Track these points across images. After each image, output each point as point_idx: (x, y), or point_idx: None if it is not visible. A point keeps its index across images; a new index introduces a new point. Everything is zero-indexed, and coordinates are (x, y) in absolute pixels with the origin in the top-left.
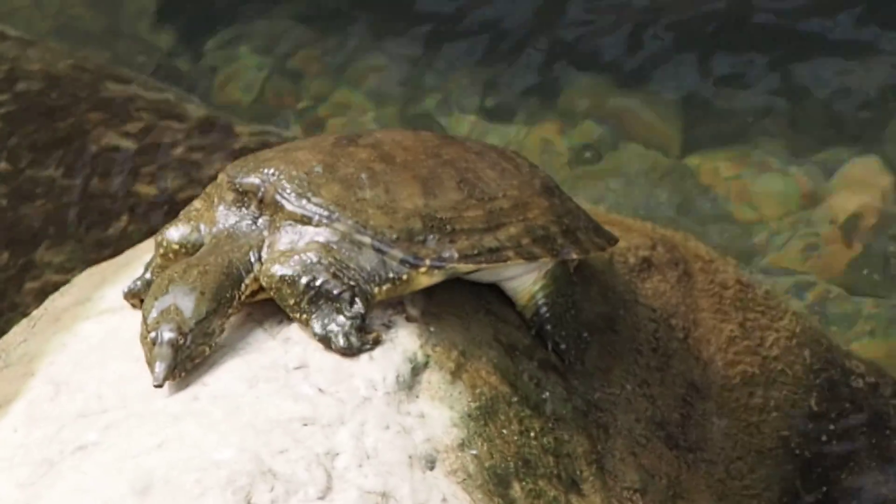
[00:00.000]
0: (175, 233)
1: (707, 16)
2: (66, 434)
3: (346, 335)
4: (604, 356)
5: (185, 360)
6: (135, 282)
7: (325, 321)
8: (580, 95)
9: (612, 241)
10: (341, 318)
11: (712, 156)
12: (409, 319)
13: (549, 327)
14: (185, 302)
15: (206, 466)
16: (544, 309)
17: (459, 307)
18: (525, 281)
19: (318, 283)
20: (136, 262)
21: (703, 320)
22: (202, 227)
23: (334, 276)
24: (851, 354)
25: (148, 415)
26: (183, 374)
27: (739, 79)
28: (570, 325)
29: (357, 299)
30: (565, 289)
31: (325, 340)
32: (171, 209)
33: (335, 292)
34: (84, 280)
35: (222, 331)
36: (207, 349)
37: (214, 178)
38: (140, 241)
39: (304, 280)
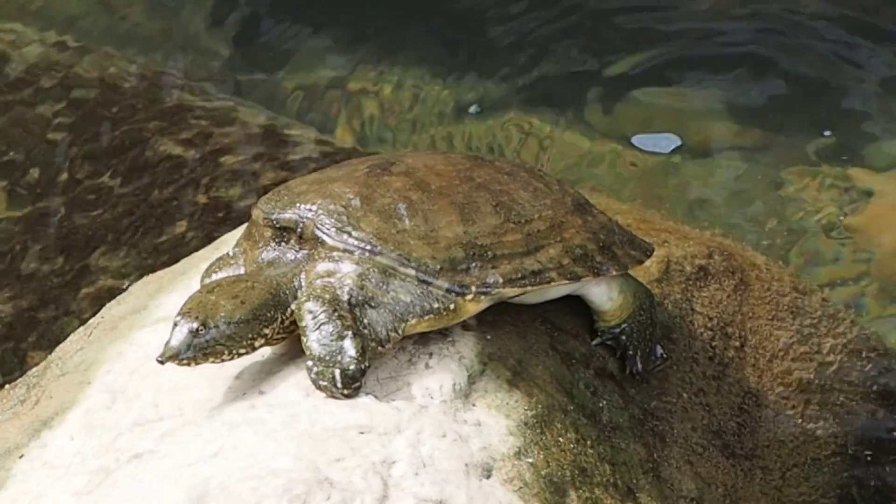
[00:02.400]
0: (220, 275)
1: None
2: (123, 442)
3: (332, 380)
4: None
5: (199, 351)
6: None
7: (321, 359)
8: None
9: (649, 252)
10: (339, 359)
11: (766, 163)
12: (465, 328)
13: (623, 338)
14: (223, 302)
15: (262, 475)
16: (625, 325)
17: (516, 316)
18: (599, 296)
19: (329, 327)
20: (193, 270)
21: (760, 328)
22: (245, 265)
23: (354, 318)
24: None
25: (204, 423)
26: (192, 364)
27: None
28: (648, 342)
29: (360, 348)
30: (647, 304)
31: (314, 379)
32: (228, 217)
33: (342, 339)
34: (140, 288)
35: (251, 347)
36: (226, 353)
37: (270, 187)
38: (197, 248)
39: (322, 317)
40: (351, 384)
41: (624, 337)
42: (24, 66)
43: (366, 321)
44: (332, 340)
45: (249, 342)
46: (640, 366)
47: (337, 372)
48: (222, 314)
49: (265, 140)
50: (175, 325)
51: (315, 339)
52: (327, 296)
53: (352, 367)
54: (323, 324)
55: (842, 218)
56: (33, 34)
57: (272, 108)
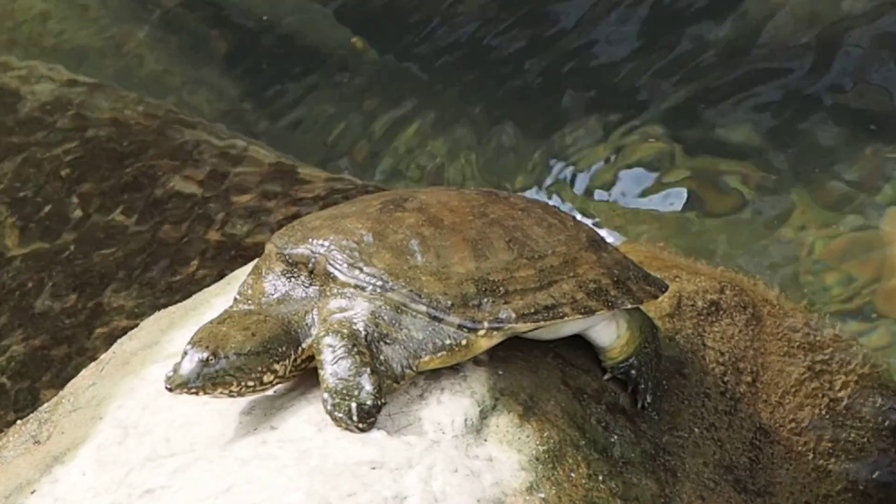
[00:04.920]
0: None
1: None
2: (134, 478)
3: (348, 412)
4: (672, 400)
5: (208, 380)
6: None
7: (337, 391)
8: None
9: (663, 288)
10: (356, 394)
11: (777, 197)
12: (477, 363)
13: (633, 372)
14: (234, 333)
15: None
16: (633, 360)
17: (527, 351)
18: (607, 335)
19: (347, 361)
20: (204, 306)
21: (772, 364)
22: (253, 298)
23: (371, 354)
24: None
25: (216, 459)
26: (200, 393)
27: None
28: (654, 373)
29: (377, 384)
30: (651, 337)
31: (329, 411)
32: (240, 254)
33: (359, 375)
34: (152, 324)
35: (260, 381)
36: (235, 384)
37: (282, 223)
38: (209, 285)
39: (341, 351)
40: (366, 419)
41: (633, 371)
42: (37, 104)
43: (382, 357)
44: (349, 375)
45: (258, 375)
46: (649, 398)
47: (353, 405)
48: (233, 345)
49: (276, 178)
50: (185, 353)
51: (332, 373)
52: (345, 331)
53: (368, 402)
54: (341, 358)
55: (853, 252)
56: (46, 71)
57: (282, 146)
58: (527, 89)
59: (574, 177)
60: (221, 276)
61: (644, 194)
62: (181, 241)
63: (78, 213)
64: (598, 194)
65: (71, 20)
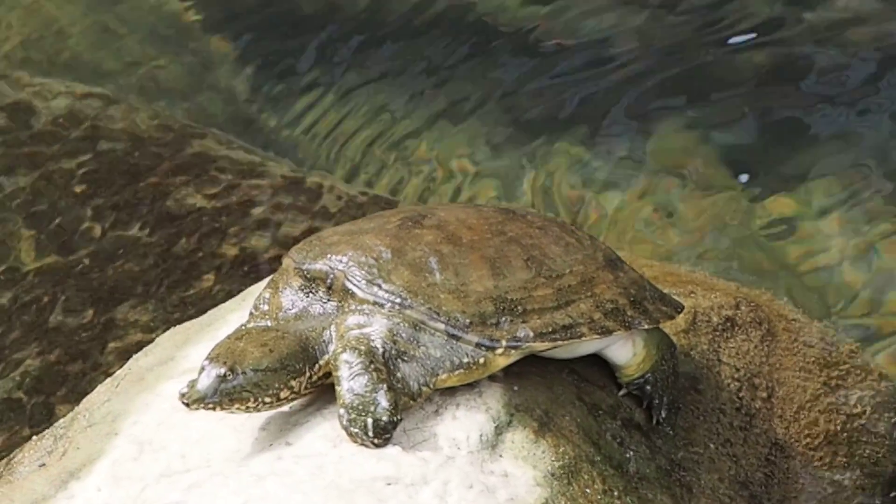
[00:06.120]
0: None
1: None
2: (150, 494)
3: (364, 427)
4: (687, 415)
5: (225, 396)
6: None
7: (354, 407)
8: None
9: (679, 308)
10: (372, 410)
11: (792, 212)
12: (492, 379)
13: (648, 388)
14: (251, 349)
15: None
16: (650, 376)
17: (542, 367)
18: (623, 354)
19: (364, 378)
20: (220, 321)
21: (787, 379)
22: (270, 313)
23: (388, 371)
24: None
25: (231, 474)
26: (217, 409)
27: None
28: (670, 389)
29: (393, 401)
30: (668, 354)
31: (345, 426)
32: (255, 269)
33: (376, 392)
34: (167, 339)
35: (276, 397)
36: (251, 400)
37: (298, 238)
38: (224, 300)
39: (358, 368)
40: (382, 434)
41: (649, 387)
42: (51, 118)
43: (399, 375)
44: (366, 391)
45: (275, 392)
46: (664, 414)
47: (370, 420)
48: (250, 361)
49: (292, 191)
50: (202, 369)
51: (349, 389)
52: (363, 347)
53: (384, 418)
54: (358, 374)
55: (867, 267)
56: (60, 86)
57: (298, 159)
58: (549, 103)
59: (589, 192)
60: (236, 291)
61: (661, 208)
62: (195, 255)
63: (92, 227)
64: (614, 210)
65: (86, 34)
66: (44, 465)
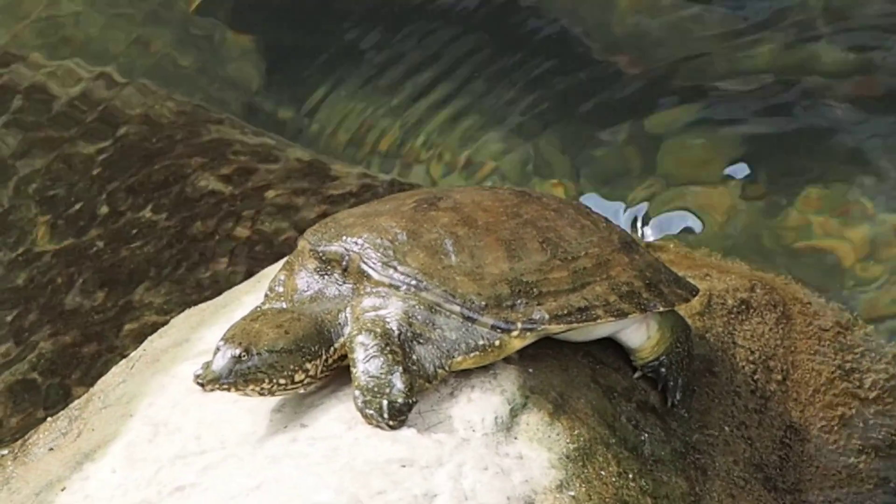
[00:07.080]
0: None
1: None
2: (165, 475)
3: (379, 409)
4: (702, 398)
5: (240, 377)
6: None
7: (369, 389)
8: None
9: (695, 291)
10: (387, 391)
11: (809, 197)
12: (507, 361)
13: (663, 370)
14: (267, 330)
15: None
16: (664, 359)
17: (558, 349)
18: (638, 337)
19: (380, 360)
20: (234, 303)
21: (802, 362)
22: (285, 295)
23: (404, 353)
24: None
25: (246, 456)
26: (232, 390)
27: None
28: (685, 371)
29: (409, 383)
30: (683, 337)
31: (360, 408)
32: (270, 252)
33: (391, 374)
34: (182, 321)
35: (291, 380)
36: (266, 381)
37: (312, 221)
38: (239, 282)
39: (373, 350)
40: (397, 416)
41: (664, 370)
42: (67, 101)
43: (414, 357)
44: (381, 373)
45: (290, 374)
46: (678, 396)
47: (385, 402)
48: (266, 342)
49: (307, 175)
50: (218, 350)
51: (364, 371)
52: (378, 329)
53: (399, 399)
54: (373, 357)
55: (884, 251)
56: (77, 69)
57: (312, 143)
58: (567, 87)
59: (605, 177)
60: (250, 273)
61: (678, 195)
62: (210, 238)
63: (108, 209)
64: (629, 194)
65: (102, 18)
66: (51, 449)
